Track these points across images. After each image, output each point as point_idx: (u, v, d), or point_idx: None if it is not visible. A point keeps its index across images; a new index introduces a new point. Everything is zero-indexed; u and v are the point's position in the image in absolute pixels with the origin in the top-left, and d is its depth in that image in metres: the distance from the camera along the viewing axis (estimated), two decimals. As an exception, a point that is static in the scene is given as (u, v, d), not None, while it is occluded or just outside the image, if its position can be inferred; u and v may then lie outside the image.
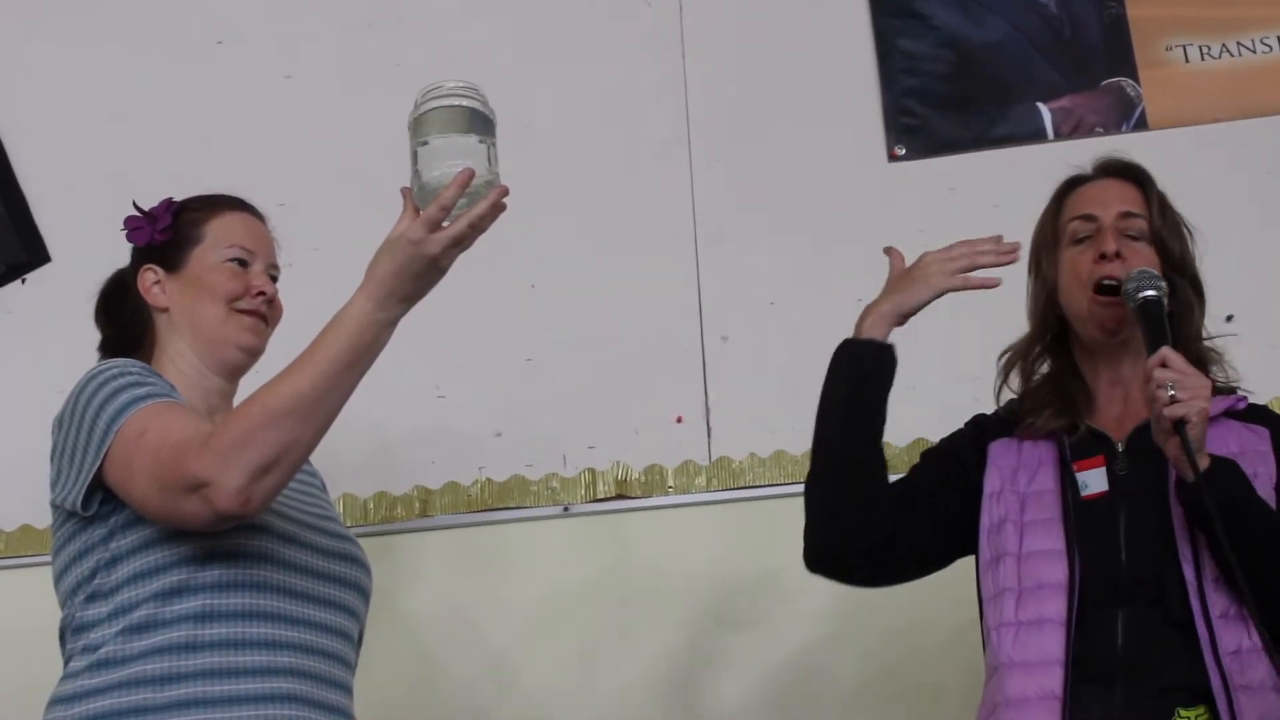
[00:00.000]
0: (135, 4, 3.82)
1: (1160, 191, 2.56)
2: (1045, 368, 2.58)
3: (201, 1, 3.81)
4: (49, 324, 3.52)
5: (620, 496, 3.30)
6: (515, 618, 3.26)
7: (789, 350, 3.33)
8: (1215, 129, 3.41)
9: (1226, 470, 2.26)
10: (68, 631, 2.30)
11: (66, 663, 2.28)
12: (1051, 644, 2.28)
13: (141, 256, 2.51)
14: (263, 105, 3.69)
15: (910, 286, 2.46)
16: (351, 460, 3.20)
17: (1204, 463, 2.22)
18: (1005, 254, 2.44)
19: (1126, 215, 2.50)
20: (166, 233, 2.48)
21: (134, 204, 2.54)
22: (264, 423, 2.11)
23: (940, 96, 3.52)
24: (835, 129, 3.53)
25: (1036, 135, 3.45)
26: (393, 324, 2.17)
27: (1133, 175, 2.58)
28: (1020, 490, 2.44)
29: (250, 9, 3.78)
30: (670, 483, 3.30)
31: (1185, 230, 2.55)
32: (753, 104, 3.56)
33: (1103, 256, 2.45)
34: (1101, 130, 3.43)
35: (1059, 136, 3.44)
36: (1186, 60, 3.46)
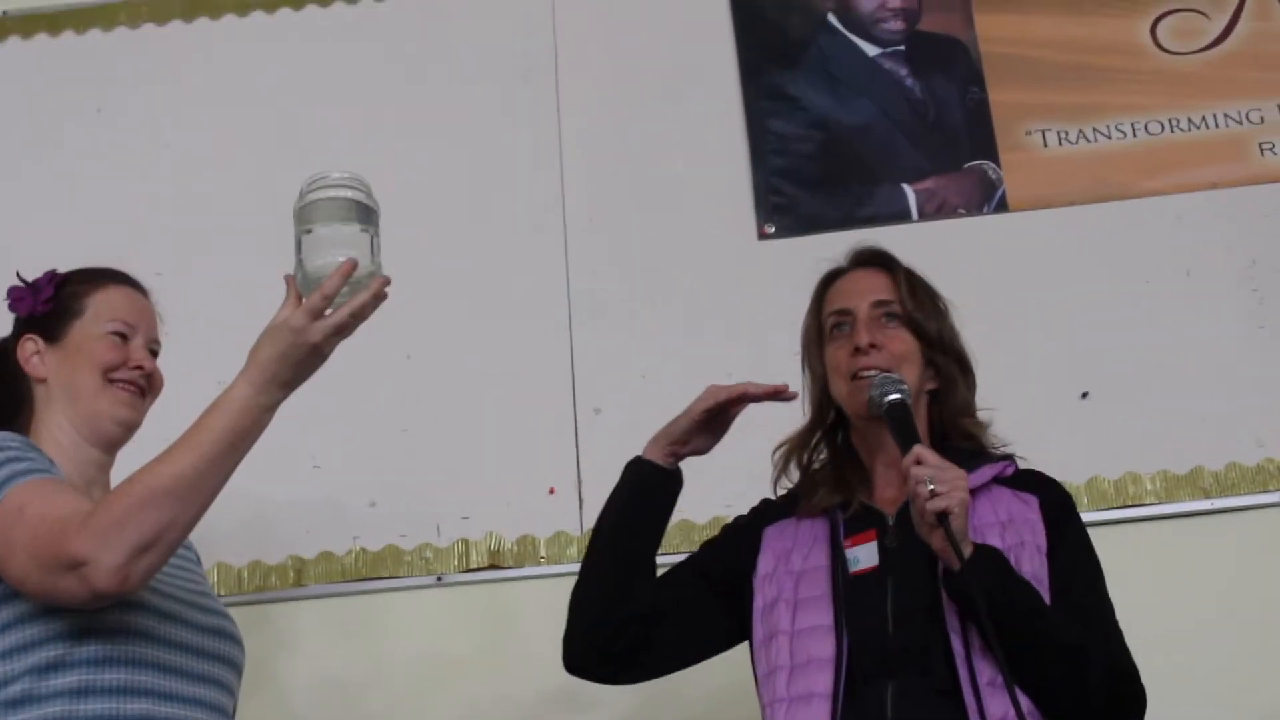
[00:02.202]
0: (17, 68, 3.84)
1: (910, 272, 2.61)
2: (823, 456, 2.63)
3: (82, 68, 3.82)
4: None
5: (493, 566, 3.31)
6: (391, 687, 3.26)
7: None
8: (1072, 211, 3.49)
9: (990, 558, 2.30)
10: (-59, 706, 2.28)
11: (-60, 737, 2.27)
12: (818, 718, 2.31)
13: (22, 326, 2.51)
14: (141, 173, 3.69)
15: (681, 414, 2.59)
16: (226, 529, 3.18)
17: (968, 550, 2.27)
18: (780, 394, 2.53)
19: (878, 304, 2.56)
20: (48, 304, 2.48)
21: (17, 274, 2.54)
22: (144, 503, 2.12)
23: (809, 176, 3.58)
24: (707, 205, 3.59)
25: (901, 215, 3.52)
26: (273, 408, 2.20)
27: (881, 262, 2.63)
28: (794, 569, 2.48)
29: (130, 77, 3.80)
30: (543, 553, 3.32)
31: (940, 306, 2.61)
32: (626, 179, 3.62)
33: (857, 350, 2.51)
34: (964, 211, 3.52)
35: (923, 217, 3.52)
36: (1045, 145, 3.55)
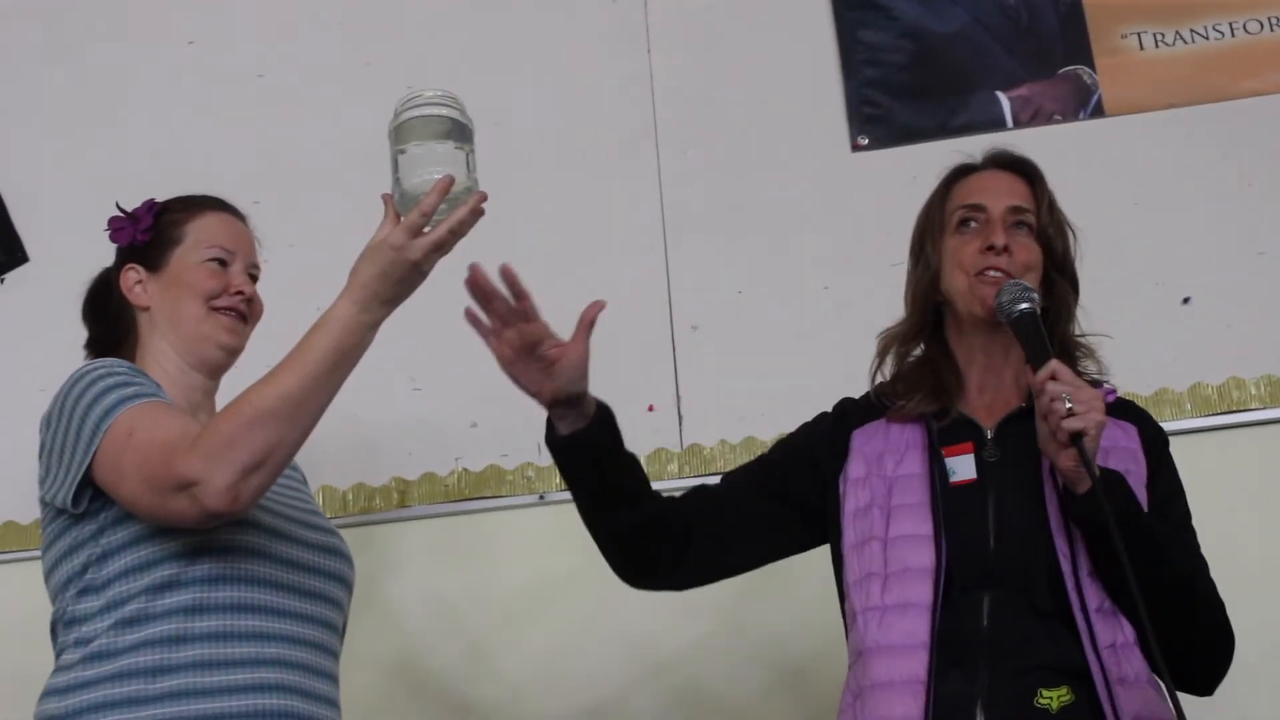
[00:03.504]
0: (109, 6, 3.86)
1: (1049, 189, 2.55)
2: (919, 352, 2.56)
3: (174, 3, 3.84)
4: (28, 324, 3.56)
5: (594, 484, 3.34)
6: (494, 606, 3.30)
7: (757, 338, 3.38)
8: (1170, 114, 3.44)
9: (1117, 483, 2.26)
10: (59, 625, 2.33)
11: (58, 656, 2.32)
12: (917, 628, 2.27)
13: (124, 256, 2.55)
14: (235, 104, 3.72)
15: None
16: (330, 452, 3.23)
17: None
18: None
19: (1015, 209, 2.49)
20: (148, 233, 2.52)
21: (117, 205, 2.58)
22: (251, 423, 2.16)
23: (901, 86, 3.55)
24: (799, 120, 3.56)
25: (996, 124, 3.47)
26: (375, 326, 2.23)
27: (1024, 170, 2.57)
28: (887, 475, 2.42)
29: (222, 10, 3.81)
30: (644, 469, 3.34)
31: (1069, 230, 2.55)
32: (717, 98, 3.60)
33: (990, 248, 2.44)
34: (1060, 118, 3.47)
35: (1018, 125, 3.47)
36: (1141, 47, 3.50)
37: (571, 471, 2.42)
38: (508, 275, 2.29)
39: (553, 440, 2.41)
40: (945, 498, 2.36)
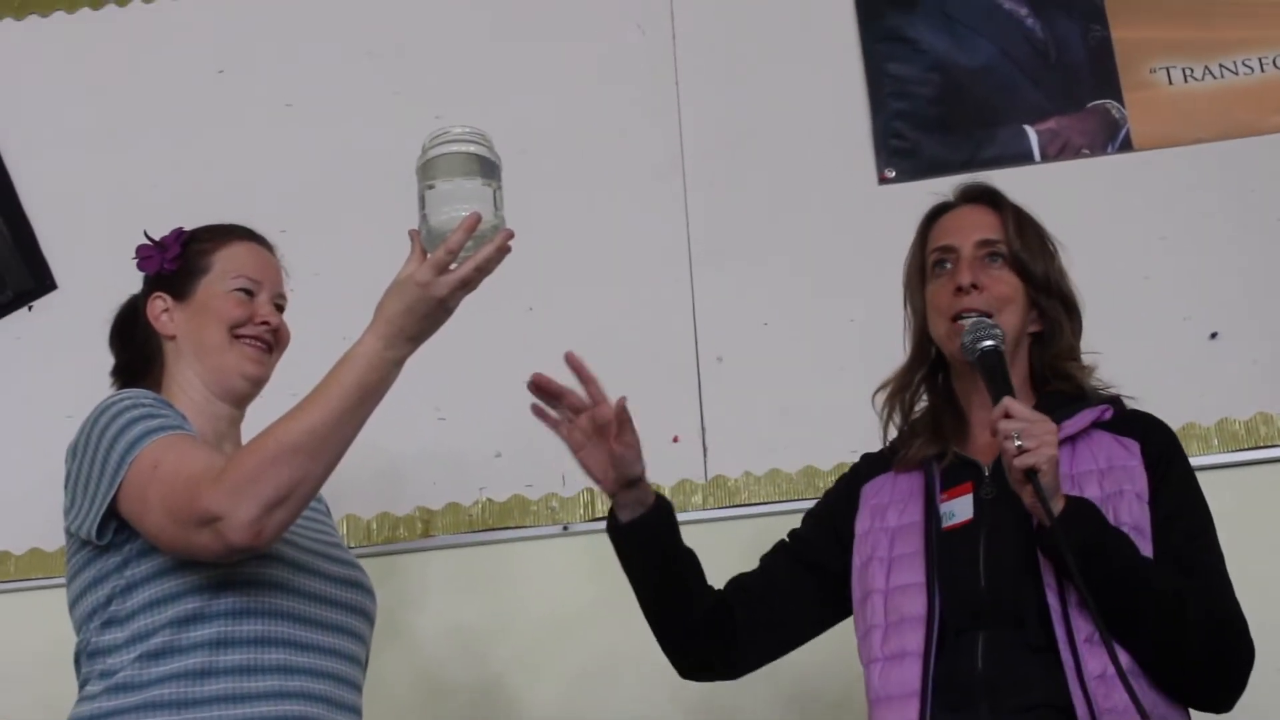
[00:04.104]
0: (139, 32, 3.88)
1: (1018, 210, 2.54)
2: (924, 401, 2.57)
3: (204, 30, 3.85)
4: (56, 351, 3.57)
5: (618, 515, 3.34)
6: (517, 637, 3.30)
7: (782, 369, 3.37)
8: (1199, 149, 3.43)
9: (1082, 512, 2.24)
10: (83, 656, 2.33)
11: (82, 686, 2.32)
12: (909, 676, 2.29)
13: (151, 285, 2.55)
14: (263, 132, 3.73)
15: None
16: (355, 481, 3.23)
17: (1059, 506, 2.21)
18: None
19: (984, 243, 2.49)
20: (175, 262, 2.53)
21: (145, 233, 2.58)
22: (276, 458, 2.16)
23: (929, 119, 3.55)
24: (826, 151, 3.56)
25: (1024, 157, 3.47)
26: (400, 362, 2.23)
27: (988, 199, 2.56)
28: (889, 526, 2.44)
29: (251, 38, 3.82)
30: (667, 501, 3.34)
31: (1049, 246, 2.54)
32: (745, 127, 3.60)
33: (959, 290, 2.44)
34: (1088, 152, 3.46)
35: (1046, 158, 3.47)
36: (1170, 82, 3.49)
37: (631, 558, 2.48)
38: (574, 362, 2.39)
39: (614, 528, 2.49)
40: (938, 543, 2.37)
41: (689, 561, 2.50)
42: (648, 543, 2.46)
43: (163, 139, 3.76)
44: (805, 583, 2.55)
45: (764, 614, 2.53)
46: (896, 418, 2.58)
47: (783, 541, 2.62)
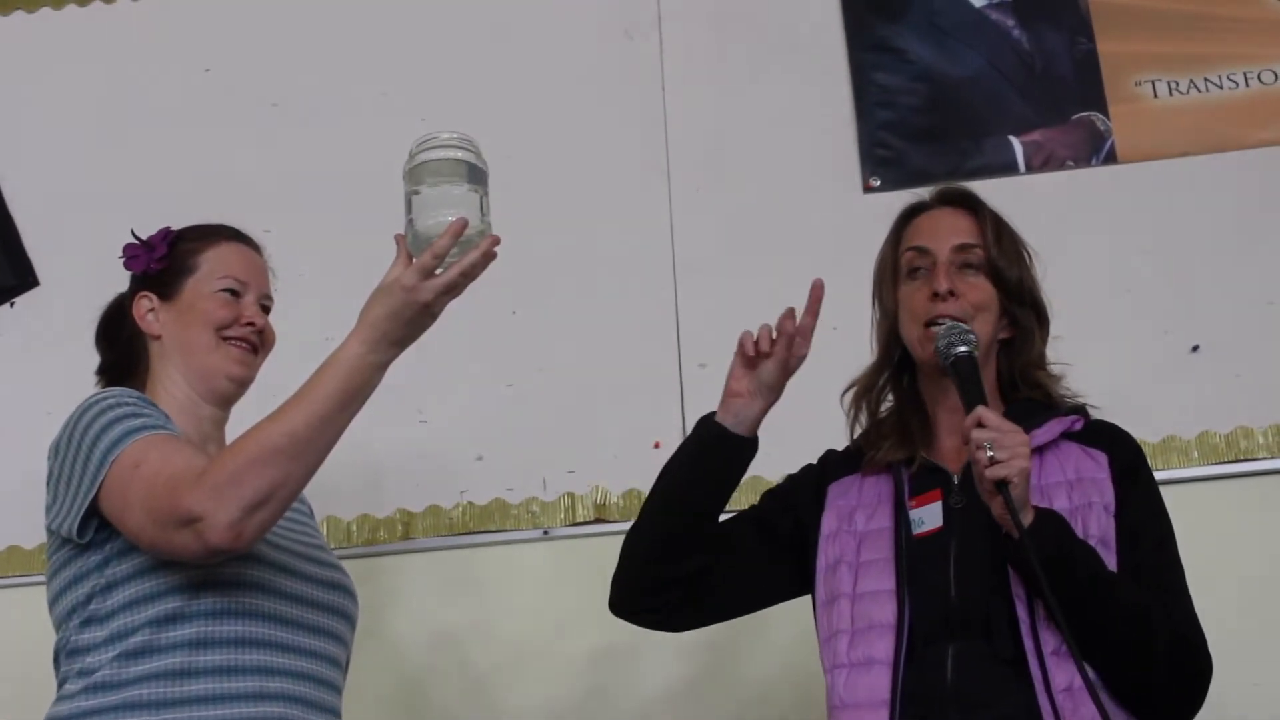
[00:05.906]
0: (126, 30, 3.87)
1: (996, 216, 2.52)
2: (890, 401, 2.55)
3: (191, 28, 3.85)
4: (38, 348, 3.57)
5: (599, 520, 3.33)
6: (497, 640, 3.29)
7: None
8: (1183, 163, 3.44)
9: (1051, 524, 2.22)
10: (62, 654, 2.33)
11: (60, 685, 2.32)
12: (879, 685, 2.27)
13: (138, 284, 2.55)
14: (250, 132, 3.73)
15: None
16: (336, 483, 3.21)
17: (1029, 517, 2.19)
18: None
19: (961, 248, 2.47)
20: (162, 261, 2.52)
21: (132, 232, 2.58)
22: (257, 460, 2.16)
23: (915, 129, 3.56)
24: (811, 160, 3.56)
25: (1008, 168, 3.48)
26: (384, 366, 2.23)
27: (966, 203, 2.54)
28: (857, 530, 2.42)
29: (238, 37, 3.82)
30: (648, 507, 3.34)
31: (1025, 254, 2.52)
32: (730, 136, 3.60)
33: (935, 295, 2.43)
34: (1072, 164, 3.47)
35: (1030, 170, 3.48)
36: (1155, 95, 3.50)
37: (699, 457, 2.48)
38: (818, 292, 2.45)
39: (707, 421, 2.49)
40: (909, 551, 2.35)
41: (723, 500, 2.49)
42: (730, 455, 2.47)
43: (148, 137, 3.76)
44: (764, 554, 2.52)
45: (725, 585, 2.51)
46: (863, 417, 2.57)
47: (744, 512, 2.60)
